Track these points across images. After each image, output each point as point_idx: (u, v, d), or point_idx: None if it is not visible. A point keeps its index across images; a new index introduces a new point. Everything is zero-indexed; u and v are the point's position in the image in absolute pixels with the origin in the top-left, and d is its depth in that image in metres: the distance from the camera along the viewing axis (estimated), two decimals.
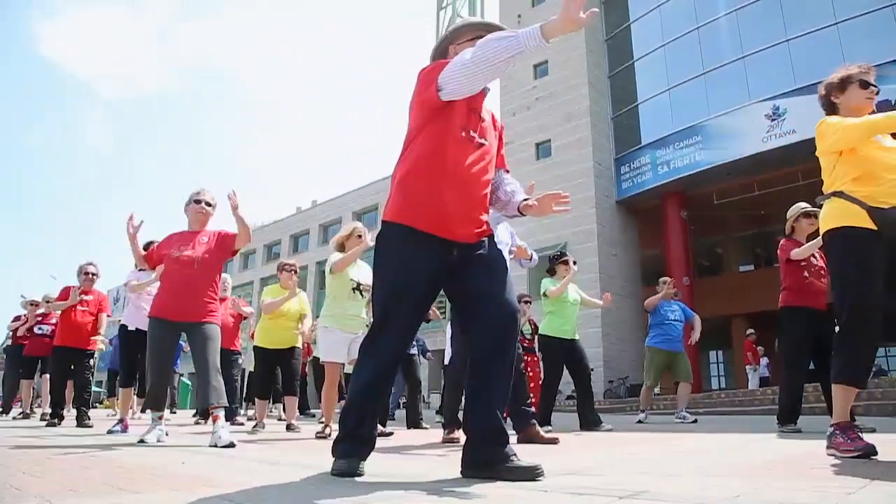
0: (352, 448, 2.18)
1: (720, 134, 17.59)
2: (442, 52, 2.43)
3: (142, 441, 3.96)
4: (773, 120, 16.19)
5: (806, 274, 4.80)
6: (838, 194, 2.77)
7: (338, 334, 4.80)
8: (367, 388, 2.20)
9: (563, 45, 21.21)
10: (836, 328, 2.76)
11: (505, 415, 2.24)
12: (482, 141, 2.29)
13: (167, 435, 4.22)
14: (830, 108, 3.00)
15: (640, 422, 7.15)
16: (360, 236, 4.91)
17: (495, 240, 4.23)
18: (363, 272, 5.00)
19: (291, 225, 35.95)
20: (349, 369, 5.30)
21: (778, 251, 4.98)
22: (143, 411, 4.34)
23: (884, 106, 2.98)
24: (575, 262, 6.21)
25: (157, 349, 4.09)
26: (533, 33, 1.96)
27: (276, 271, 6.27)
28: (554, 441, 4.05)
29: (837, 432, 2.68)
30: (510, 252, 4.37)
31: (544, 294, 6.00)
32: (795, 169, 16.79)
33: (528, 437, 4.09)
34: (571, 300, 6.13)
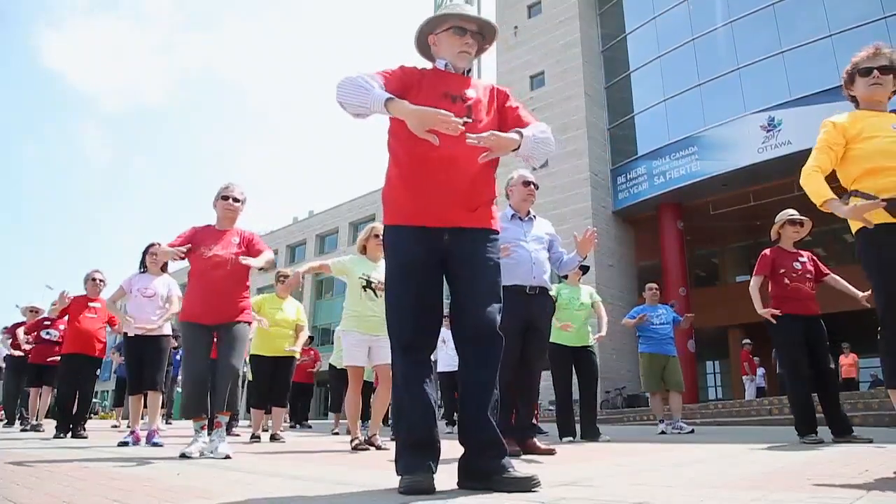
0: (412, 460, 2.04)
1: (716, 145, 17.67)
2: (423, 44, 2.40)
3: (183, 455, 3.68)
4: (768, 131, 16.27)
5: (787, 281, 4.71)
6: (853, 193, 2.66)
7: (356, 336, 4.63)
8: (403, 390, 2.13)
9: (560, 56, 21.36)
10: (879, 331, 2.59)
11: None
12: (465, 119, 2.16)
13: (212, 452, 3.74)
14: (854, 101, 2.89)
15: (662, 432, 7.05)
16: (377, 236, 4.76)
17: (534, 236, 4.11)
18: (379, 270, 4.69)
19: (288, 235, 35.96)
20: (369, 376, 5.24)
21: (758, 259, 4.89)
22: (186, 418, 4.09)
23: None
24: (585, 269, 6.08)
25: (190, 353, 3.92)
26: (380, 99, 2.02)
27: (275, 282, 6.38)
28: (550, 452, 4.04)
29: None
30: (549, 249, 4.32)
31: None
32: (791, 180, 16.67)
33: (525, 449, 4.07)
34: (577, 305, 5.97)
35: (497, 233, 2.32)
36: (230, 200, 4.09)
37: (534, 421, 6.18)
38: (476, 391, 2.14)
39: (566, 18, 21.82)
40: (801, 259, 4.82)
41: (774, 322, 4.68)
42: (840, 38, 15.51)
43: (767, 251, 4.89)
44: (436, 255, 2.21)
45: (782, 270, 4.75)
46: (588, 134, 20.35)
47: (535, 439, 4.23)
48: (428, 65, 2.39)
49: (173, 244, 4.03)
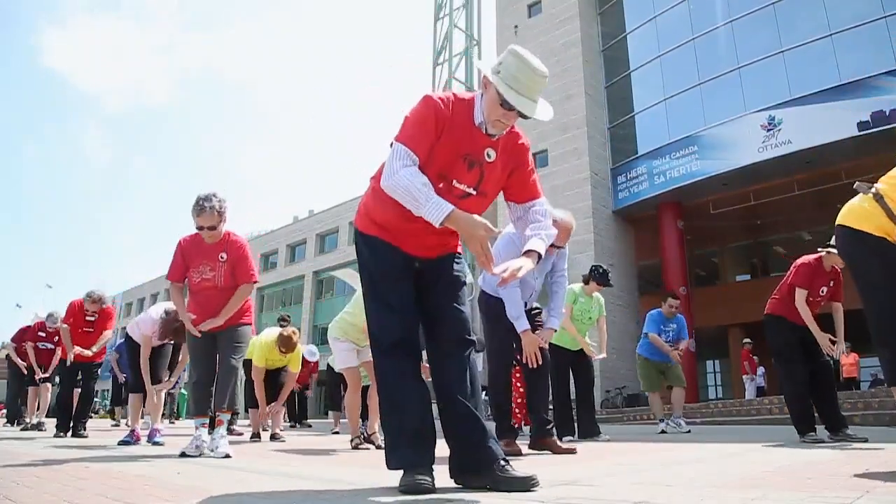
0: (412, 457, 2.05)
1: (716, 144, 17.66)
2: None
3: (184, 454, 3.74)
4: (768, 130, 16.26)
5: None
6: (881, 199, 2.48)
7: (348, 342, 4.79)
8: (394, 386, 2.15)
9: (560, 55, 21.34)
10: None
11: (525, 422, 2.17)
12: (469, 191, 2.12)
13: (213, 451, 3.79)
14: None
15: (662, 431, 7.06)
16: None
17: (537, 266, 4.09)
18: None
19: (288, 235, 35.92)
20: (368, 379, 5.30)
21: (797, 265, 4.69)
22: (189, 417, 4.18)
23: (876, 117, 2.83)
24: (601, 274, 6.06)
25: (195, 359, 4.07)
26: (439, 214, 1.91)
27: (276, 342, 6.14)
28: (571, 451, 4.00)
29: None
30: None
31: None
32: (791, 179, 16.87)
33: (545, 447, 4.06)
34: (587, 319, 6.01)
35: (460, 255, 2.36)
36: (205, 230, 3.91)
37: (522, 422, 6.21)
38: (458, 389, 2.14)
39: (566, 18, 21.81)
40: (829, 285, 4.68)
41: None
42: (840, 37, 15.49)
43: (812, 260, 4.65)
44: (410, 270, 2.24)
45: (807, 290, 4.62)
46: (588, 133, 20.33)
47: (555, 438, 4.22)
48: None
49: (174, 275, 4.07)
